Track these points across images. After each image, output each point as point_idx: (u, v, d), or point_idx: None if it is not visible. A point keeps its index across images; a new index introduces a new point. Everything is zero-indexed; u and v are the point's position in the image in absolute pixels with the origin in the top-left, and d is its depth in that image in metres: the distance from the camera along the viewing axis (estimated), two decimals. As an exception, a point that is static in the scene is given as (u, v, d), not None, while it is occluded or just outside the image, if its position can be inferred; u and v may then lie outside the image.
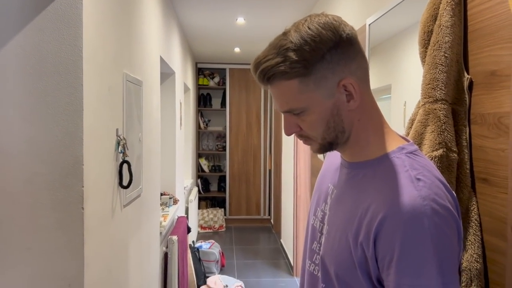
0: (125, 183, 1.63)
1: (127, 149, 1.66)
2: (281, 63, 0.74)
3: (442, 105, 1.17)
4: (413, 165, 0.76)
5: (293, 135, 0.88)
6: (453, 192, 0.79)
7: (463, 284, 1.11)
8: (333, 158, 0.97)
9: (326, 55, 0.75)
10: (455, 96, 1.20)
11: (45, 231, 1.24)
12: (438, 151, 1.14)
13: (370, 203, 0.76)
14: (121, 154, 1.61)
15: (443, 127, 1.16)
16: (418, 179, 0.74)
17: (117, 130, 1.59)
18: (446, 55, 1.17)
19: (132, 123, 1.84)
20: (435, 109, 1.17)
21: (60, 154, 1.23)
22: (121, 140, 1.61)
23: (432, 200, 0.71)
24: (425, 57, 1.24)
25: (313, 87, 0.76)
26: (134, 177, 1.70)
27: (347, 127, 0.81)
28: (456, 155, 1.15)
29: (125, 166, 1.63)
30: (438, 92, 1.17)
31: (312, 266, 0.92)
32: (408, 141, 0.84)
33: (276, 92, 0.79)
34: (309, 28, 0.75)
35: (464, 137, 1.17)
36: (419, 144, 1.19)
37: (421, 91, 1.23)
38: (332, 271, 0.83)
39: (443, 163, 1.14)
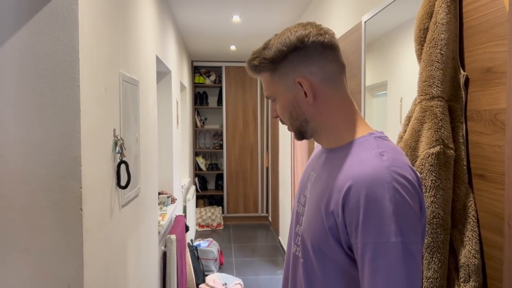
0: (123, 183, 1.63)
1: (125, 149, 1.66)
2: (257, 58, 0.94)
3: (439, 102, 1.18)
4: (380, 145, 0.87)
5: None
6: (418, 174, 0.88)
7: (461, 280, 1.12)
8: (316, 151, 1.08)
9: (288, 56, 0.91)
10: (451, 93, 1.20)
11: (43, 232, 1.23)
12: (435, 148, 1.15)
13: (340, 176, 0.86)
14: (119, 155, 1.61)
15: (440, 124, 1.16)
16: (382, 154, 0.84)
17: (114, 130, 1.59)
18: (442, 52, 1.17)
19: (129, 123, 1.83)
20: (432, 106, 1.18)
21: (58, 156, 1.23)
22: (119, 140, 1.61)
23: (393, 170, 0.81)
24: (421, 54, 1.24)
25: (278, 80, 0.93)
26: (131, 177, 1.70)
27: (310, 118, 0.94)
28: (453, 151, 1.16)
29: (122, 166, 1.63)
30: (435, 89, 1.18)
31: (295, 247, 1.00)
32: (378, 131, 0.94)
33: (262, 80, 0.98)
34: (283, 34, 0.93)
35: (461, 133, 1.18)
36: (416, 141, 1.20)
37: (417, 88, 1.23)
38: (309, 244, 0.91)
39: (440, 160, 1.15)
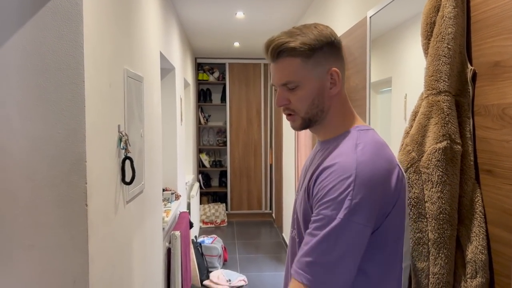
0: (127, 179, 1.63)
1: (129, 145, 1.66)
2: (292, 42, 0.96)
3: (446, 97, 1.17)
4: (359, 137, 0.98)
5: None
6: (399, 167, 0.97)
7: (468, 276, 1.11)
8: (316, 146, 1.16)
9: (324, 47, 0.98)
10: (458, 87, 1.19)
11: (48, 228, 1.23)
12: (442, 143, 1.14)
13: (322, 164, 0.97)
14: (123, 150, 1.61)
15: (447, 119, 1.15)
16: (357, 146, 0.95)
17: (118, 126, 1.59)
18: (449, 46, 1.16)
19: (133, 119, 1.83)
20: (439, 101, 1.17)
21: (62, 151, 1.23)
22: (123, 136, 1.61)
23: (362, 162, 0.91)
24: (427, 48, 1.23)
25: (310, 68, 0.98)
26: (136, 173, 1.70)
27: (326, 108, 1.02)
28: (460, 147, 1.15)
29: (127, 162, 1.62)
30: (442, 84, 1.17)
31: (293, 231, 1.09)
32: (363, 124, 1.05)
33: (280, 66, 0.99)
34: (315, 27, 1.00)
35: (468, 128, 1.17)
36: (423, 136, 1.19)
37: (424, 83, 1.22)
38: (301, 222, 1.03)
39: (447, 155, 1.14)
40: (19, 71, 1.21)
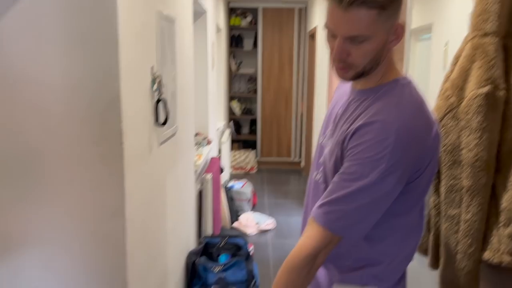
0: (161, 120, 1.66)
1: (163, 87, 1.67)
2: None
3: (492, 39, 1.10)
4: (401, 94, 0.96)
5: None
6: (434, 123, 0.96)
7: (501, 224, 1.10)
8: (344, 89, 1.13)
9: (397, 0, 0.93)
10: (508, 29, 1.11)
11: (86, 164, 1.29)
12: (484, 88, 1.09)
13: (360, 116, 0.97)
14: (157, 92, 1.63)
15: (492, 62, 1.09)
16: (398, 103, 0.94)
17: (152, 67, 1.60)
18: (501, -17, 1.08)
19: (165, 61, 1.83)
20: (484, 43, 1.10)
21: (97, 90, 1.25)
22: (157, 77, 1.62)
23: (402, 123, 0.91)
24: (477, -14, 1.15)
25: (383, 20, 0.91)
26: (169, 116, 1.72)
27: (380, 61, 0.98)
28: (504, 92, 1.09)
29: (160, 104, 1.65)
30: (489, 24, 1.09)
31: (318, 176, 1.11)
32: (403, 77, 1.02)
33: (352, 17, 0.90)
34: None
35: (514, 73, 1.11)
36: (464, 80, 1.14)
37: (470, 24, 1.15)
38: (330, 167, 1.03)
39: (489, 100, 1.09)
40: (53, 9, 1.21)
